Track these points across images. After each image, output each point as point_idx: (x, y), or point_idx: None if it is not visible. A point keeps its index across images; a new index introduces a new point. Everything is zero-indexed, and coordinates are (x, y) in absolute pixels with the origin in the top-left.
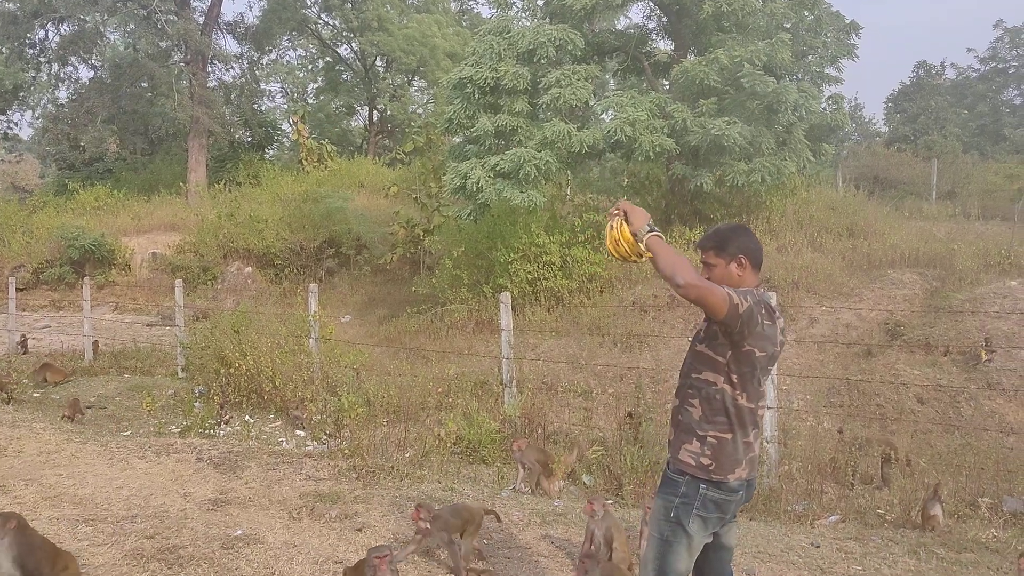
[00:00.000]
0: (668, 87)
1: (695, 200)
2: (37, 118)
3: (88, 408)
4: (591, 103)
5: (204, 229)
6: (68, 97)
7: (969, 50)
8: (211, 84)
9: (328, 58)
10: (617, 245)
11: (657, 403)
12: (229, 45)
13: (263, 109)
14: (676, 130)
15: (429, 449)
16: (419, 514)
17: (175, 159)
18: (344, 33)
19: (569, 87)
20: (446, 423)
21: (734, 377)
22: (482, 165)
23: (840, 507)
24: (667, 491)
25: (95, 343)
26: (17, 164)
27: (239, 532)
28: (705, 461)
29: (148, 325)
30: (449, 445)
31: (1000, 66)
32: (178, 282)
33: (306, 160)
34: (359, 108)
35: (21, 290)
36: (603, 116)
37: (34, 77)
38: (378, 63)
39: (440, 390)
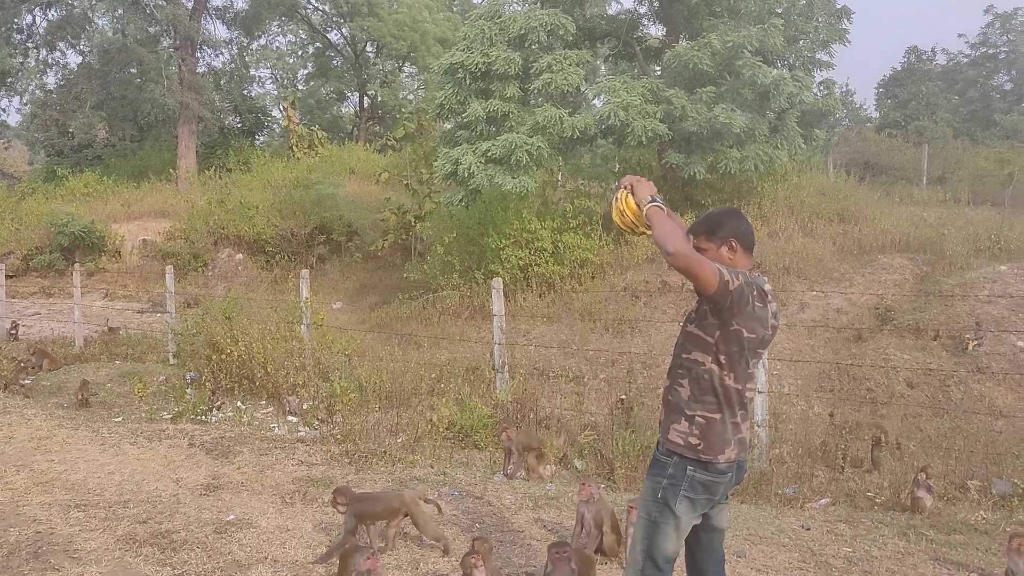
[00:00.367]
0: (659, 72)
1: (687, 187)
2: (25, 104)
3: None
4: (582, 88)
5: (194, 216)
6: (56, 83)
7: (960, 35)
8: (200, 70)
9: (318, 44)
10: (623, 216)
11: (648, 388)
12: (218, 30)
13: (253, 95)
14: (672, 117)
15: (421, 434)
16: (337, 500)
17: (165, 145)
18: (334, 18)
19: (560, 72)
20: (438, 408)
21: (722, 357)
22: (473, 151)
23: (830, 490)
24: (656, 472)
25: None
26: (5, 151)
27: (232, 517)
28: (693, 441)
29: (139, 312)
30: (441, 430)
31: (991, 51)
32: (169, 269)
33: (296, 146)
34: (349, 94)
35: (11, 277)
36: (595, 101)
37: (22, 63)
38: (368, 49)
39: (432, 376)
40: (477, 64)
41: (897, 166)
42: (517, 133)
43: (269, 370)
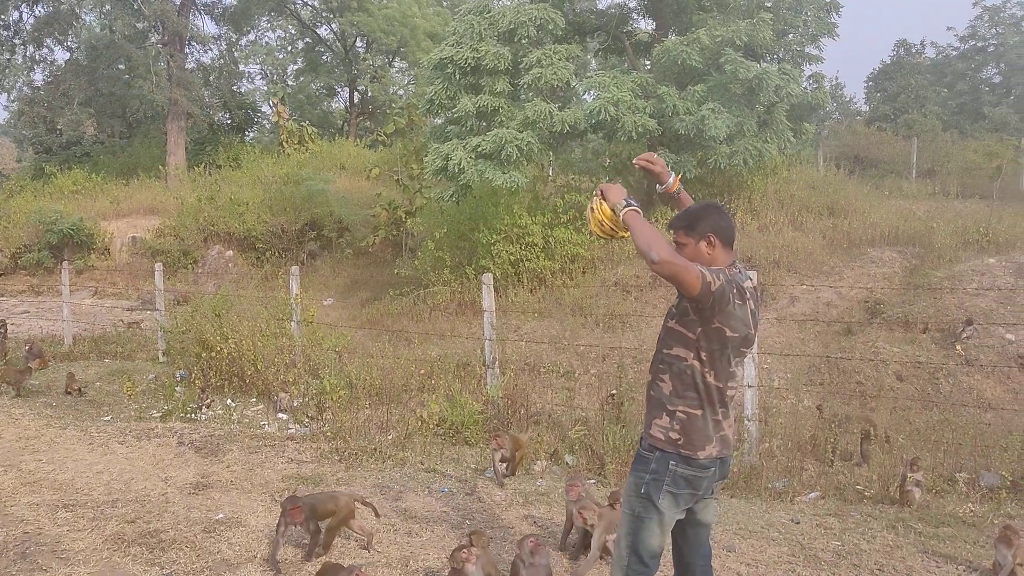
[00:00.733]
0: (649, 67)
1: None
2: (13, 101)
3: (68, 394)
4: (572, 83)
5: (184, 212)
6: (44, 80)
7: (948, 28)
8: (189, 66)
9: (307, 39)
10: (601, 225)
11: (639, 383)
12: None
13: (242, 91)
14: (663, 114)
15: (412, 431)
16: (295, 516)
17: (154, 142)
18: (323, 13)
19: (550, 67)
20: (429, 405)
21: (703, 354)
22: (464, 146)
23: (820, 484)
24: (639, 468)
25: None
26: None
27: (221, 516)
28: (674, 436)
29: (128, 309)
30: (432, 427)
31: (979, 44)
32: (158, 266)
33: (286, 142)
34: (339, 89)
35: None
36: (585, 96)
37: (9, 59)
38: (358, 44)
39: (423, 372)
40: (467, 59)
41: (886, 159)
42: (507, 128)
43: (259, 367)
